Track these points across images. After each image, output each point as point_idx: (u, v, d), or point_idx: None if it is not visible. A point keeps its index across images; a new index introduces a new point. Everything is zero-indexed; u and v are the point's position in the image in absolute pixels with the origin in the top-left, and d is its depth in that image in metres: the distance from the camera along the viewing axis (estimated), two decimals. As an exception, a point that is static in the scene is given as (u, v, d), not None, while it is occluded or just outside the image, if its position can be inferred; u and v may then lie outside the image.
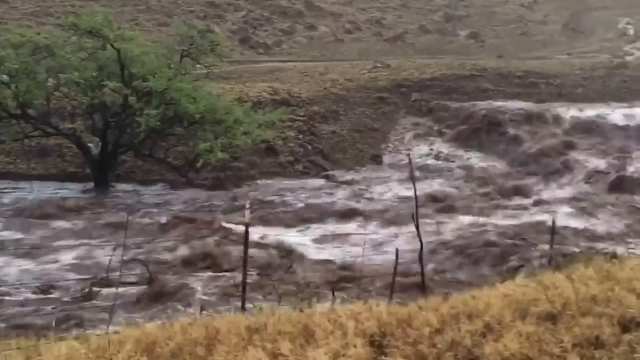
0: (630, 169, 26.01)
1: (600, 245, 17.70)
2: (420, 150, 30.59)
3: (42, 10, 46.57)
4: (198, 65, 27.85)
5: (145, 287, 15.31)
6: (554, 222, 13.67)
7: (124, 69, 25.13)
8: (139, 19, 48.12)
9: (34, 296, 15.12)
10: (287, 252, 18.35)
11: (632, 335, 5.61)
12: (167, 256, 17.91)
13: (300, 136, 30.01)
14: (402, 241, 17.32)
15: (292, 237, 19.96)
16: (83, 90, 25.67)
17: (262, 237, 19.17)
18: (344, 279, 15.65)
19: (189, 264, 17.20)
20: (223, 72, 32.02)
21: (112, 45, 24.84)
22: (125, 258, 15.47)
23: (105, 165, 26.03)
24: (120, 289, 14.20)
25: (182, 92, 24.56)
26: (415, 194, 12.67)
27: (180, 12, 49.81)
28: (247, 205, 10.07)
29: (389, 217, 22.15)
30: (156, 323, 7.19)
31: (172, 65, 26.07)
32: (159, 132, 25.31)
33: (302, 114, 31.38)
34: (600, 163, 27.30)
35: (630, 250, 16.00)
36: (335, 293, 11.43)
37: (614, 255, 9.27)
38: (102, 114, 25.87)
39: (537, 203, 24.10)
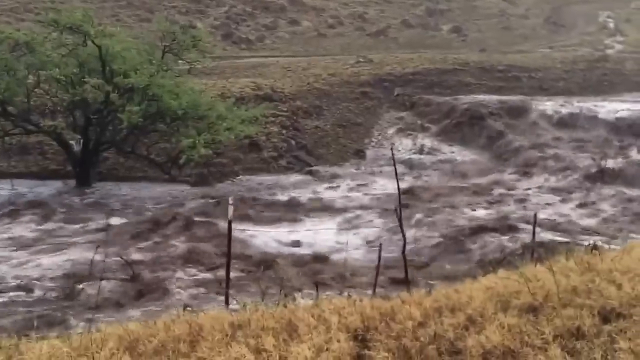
0: (611, 162, 26.22)
1: (581, 237, 17.84)
2: (404, 145, 30.67)
3: (21, 6, 46.18)
4: (180, 61, 27.70)
5: (128, 284, 15.24)
6: (535, 215, 13.78)
7: (105, 66, 24.95)
8: (120, 14, 47.85)
9: (14, 295, 14.98)
10: (271, 248, 18.36)
11: (612, 326, 5.66)
12: (149, 254, 17.81)
13: (284, 131, 29.99)
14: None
15: (275, 232, 19.92)
16: (64, 87, 25.46)
17: (245, 233, 19.15)
18: (327, 274, 15.68)
19: (172, 261, 17.13)
20: (205, 67, 31.91)
21: (93, 41, 24.64)
22: (107, 256, 15.45)
23: (87, 163, 25.87)
24: (103, 287, 14.12)
25: (164, 89, 24.45)
26: (399, 188, 12.70)
27: (162, 7, 49.60)
28: (230, 202, 10.03)
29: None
30: (139, 320, 7.17)
31: (153, 62, 25.91)
32: (141, 128, 25.18)
33: (285, 109, 31.37)
34: (581, 156, 27.52)
35: (611, 242, 16.15)
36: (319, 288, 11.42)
37: (594, 247, 9.34)
38: (84, 111, 25.68)
39: (518, 196, 24.22)
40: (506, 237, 18.27)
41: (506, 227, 19.46)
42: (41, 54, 24.88)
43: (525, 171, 27.06)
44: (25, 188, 25.09)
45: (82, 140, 25.78)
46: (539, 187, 25.29)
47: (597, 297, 6.21)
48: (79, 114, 25.99)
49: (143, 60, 25.53)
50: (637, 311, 5.82)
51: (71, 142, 26.07)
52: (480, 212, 21.90)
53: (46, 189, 25.12)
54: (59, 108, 26.97)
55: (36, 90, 26.00)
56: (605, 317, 5.86)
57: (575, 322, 5.71)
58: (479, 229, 19.21)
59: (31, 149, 27.70)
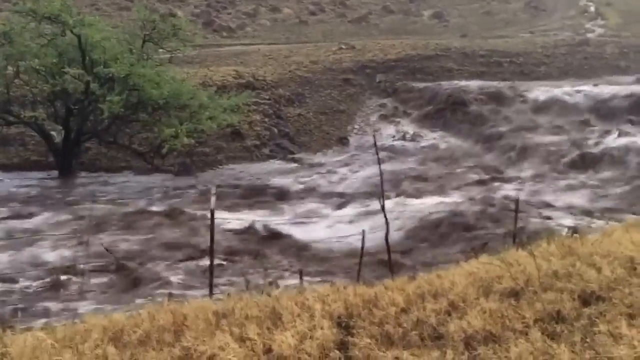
0: (591, 146, 26.41)
1: (562, 222, 17.99)
2: (386, 132, 30.72)
3: (-2, -4, 45.56)
4: (161, 50, 27.50)
5: (112, 275, 15.20)
6: (517, 201, 13.85)
7: (84, 55, 24.72)
8: (98, 3, 47.43)
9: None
10: (254, 236, 18.36)
11: (591, 309, 5.73)
12: (133, 244, 17.75)
13: (266, 120, 29.91)
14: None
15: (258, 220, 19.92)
16: (44, 78, 25.21)
17: (229, 222, 19.12)
18: (312, 261, 15.72)
19: (156, 251, 17.08)
20: (186, 56, 31.71)
21: (71, 31, 24.40)
22: (90, 247, 15.38)
23: (69, 153, 25.69)
24: (87, 278, 14.07)
25: (145, 78, 24.26)
26: (381, 175, 12.73)
27: (142, -5, 49.09)
28: (213, 191, 10.02)
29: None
30: (123, 311, 7.16)
31: (134, 51, 25.67)
32: (123, 118, 25.04)
33: (267, 97, 31.27)
34: (561, 140, 27.66)
35: (592, 225, 16.32)
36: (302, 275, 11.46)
37: (575, 231, 9.45)
38: (64, 101, 25.46)
39: (500, 181, 24.35)
40: (488, 225, 18.36)
41: (486, 212, 19.57)
42: (20, 45, 24.61)
43: (507, 156, 27.19)
44: (7, 179, 24.86)
45: (63, 131, 25.58)
46: (520, 172, 25.42)
47: (577, 280, 6.29)
48: (60, 104, 25.77)
49: (123, 50, 25.30)
50: (617, 294, 5.90)
51: (52, 132, 25.87)
52: (459, 198, 21.97)
53: (28, 180, 24.90)
54: (39, 99, 26.64)
55: (16, 81, 25.74)
56: (585, 300, 5.94)
57: (556, 306, 5.78)
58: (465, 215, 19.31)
59: (12, 140, 27.44)
